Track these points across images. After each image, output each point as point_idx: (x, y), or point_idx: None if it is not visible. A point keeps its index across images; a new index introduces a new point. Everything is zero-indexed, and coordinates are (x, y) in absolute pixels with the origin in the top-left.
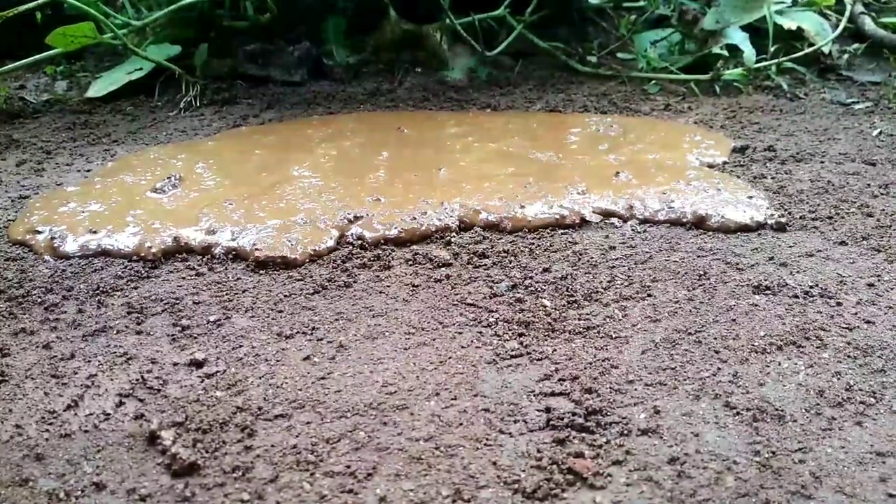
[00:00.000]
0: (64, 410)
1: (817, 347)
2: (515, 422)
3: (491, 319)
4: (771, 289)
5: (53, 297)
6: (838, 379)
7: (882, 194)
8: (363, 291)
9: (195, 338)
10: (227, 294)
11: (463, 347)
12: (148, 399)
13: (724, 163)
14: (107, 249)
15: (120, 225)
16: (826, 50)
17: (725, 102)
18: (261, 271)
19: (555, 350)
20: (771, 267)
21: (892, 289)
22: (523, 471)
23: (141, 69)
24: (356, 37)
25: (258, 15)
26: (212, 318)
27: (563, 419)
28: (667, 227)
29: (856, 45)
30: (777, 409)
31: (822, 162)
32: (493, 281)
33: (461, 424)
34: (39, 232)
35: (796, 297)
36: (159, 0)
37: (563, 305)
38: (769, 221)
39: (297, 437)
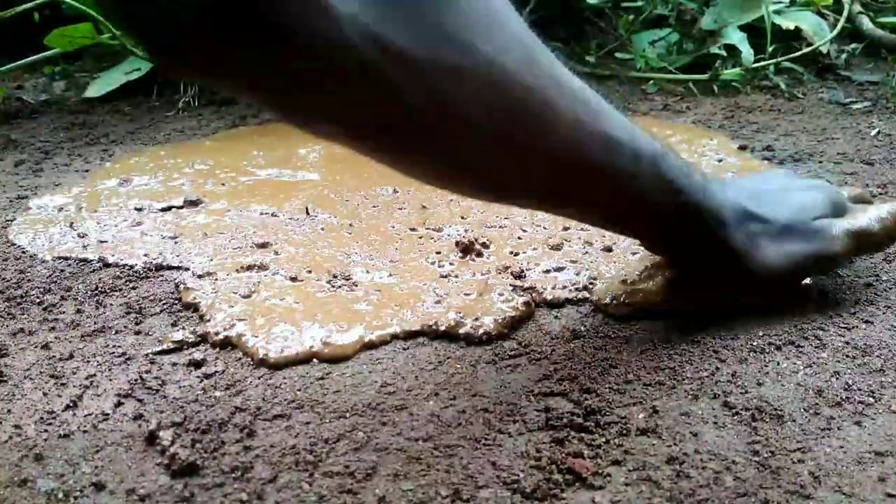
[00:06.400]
0: (63, 411)
1: (816, 347)
2: (514, 422)
3: None
4: None
5: (52, 297)
6: (837, 378)
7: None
8: None
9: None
10: None
11: (461, 347)
12: (147, 399)
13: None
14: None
15: None
16: (824, 50)
17: (724, 102)
18: None
19: (553, 350)
20: None
21: (890, 288)
22: (522, 471)
23: (139, 69)
24: None
25: None
26: None
27: (561, 419)
28: None
29: (854, 45)
30: (776, 409)
31: (821, 162)
32: None
33: (460, 424)
34: None
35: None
36: None
37: None
38: None
39: (296, 437)
